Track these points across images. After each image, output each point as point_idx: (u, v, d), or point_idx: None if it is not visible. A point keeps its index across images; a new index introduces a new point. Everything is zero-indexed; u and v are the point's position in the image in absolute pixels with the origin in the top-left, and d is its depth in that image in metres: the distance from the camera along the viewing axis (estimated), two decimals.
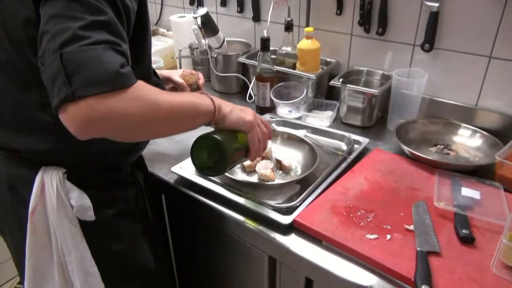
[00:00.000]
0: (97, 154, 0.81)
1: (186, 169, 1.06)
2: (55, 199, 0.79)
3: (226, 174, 0.98)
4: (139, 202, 0.94)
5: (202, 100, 0.76)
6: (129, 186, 0.91)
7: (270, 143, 1.13)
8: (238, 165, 1.09)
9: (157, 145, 1.21)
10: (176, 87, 1.18)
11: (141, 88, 0.64)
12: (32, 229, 0.82)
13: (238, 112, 0.83)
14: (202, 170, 0.83)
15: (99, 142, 0.66)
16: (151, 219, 0.98)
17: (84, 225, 0.83)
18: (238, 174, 1.07)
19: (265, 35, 1.34)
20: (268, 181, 1.01)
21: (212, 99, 0.79)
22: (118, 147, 0.81)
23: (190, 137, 1.26)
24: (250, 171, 1.07)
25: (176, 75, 1.17)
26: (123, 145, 0.85)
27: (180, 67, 1.65)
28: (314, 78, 1.35)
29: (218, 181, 1.00)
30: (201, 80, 1.23)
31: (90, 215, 0.82)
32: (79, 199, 0.81)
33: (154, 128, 0.68)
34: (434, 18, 1.16)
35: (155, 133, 0.74)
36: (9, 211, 0.86)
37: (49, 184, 0.79)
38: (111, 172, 0.87)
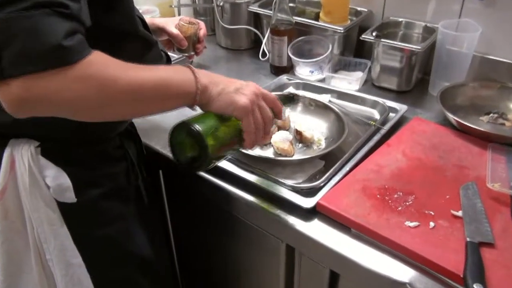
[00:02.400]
0: (75, 123, 0.78)
1: None
2: (28, 178, 0.78)
3: None
4: (131, 180, 0.93)
5: (181, 77, 0.72)
6: (117, 161, 0.90)
7: (287, 110, 1.11)
8: None
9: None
10: (171, 40, 1.15)
11: (92, 64, 0.61)
12: (3, 213, 0.82)
13: (231, 94, 0.76)
14: (183, 165, 0.79)
15: None
16: (146, 200, 0.97)
17: (64, 208, 0.82)
18: None
19: None
20: (286, 156, 1.01)
21: (196, 77, 0.73)
22: None
23: None
24: (265, 144, 1.06)
25: (171, 25, 1.14)
26: None
27: None
28: (342, 31, 1.32)
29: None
30: (203, 31, 1.20)
31: (70, 197, 0.81)
32: (56, 178, 0.80)
33: (110, 111, 0.66)
34: None
35: (114, 116, 0.71)
36: None
37: (19, 160, 0.78)
38: (95, 144, 0.86)
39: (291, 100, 0.98)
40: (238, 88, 0.78)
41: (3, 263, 0.85)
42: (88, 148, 0.85)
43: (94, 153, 0.86)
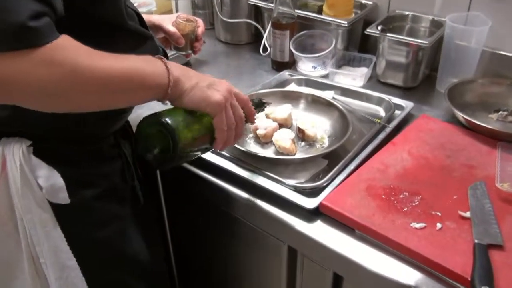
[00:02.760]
0: (69, 121, 0.76)
1: None
2: (19, 179, 0.78)
3: (236, 145, 0.97)
4: (127, 180, 0.93)
5: (152, 68, 0.71)
6: (112, 160, 0.90)
7: (289, 107, 1.10)
8: (249, 135, 1.07)
9: (147, 109, 1.19)
10: (167, 38, 1.14)
11: (59, 48, 0.59)
12: None
13: (204, 89, 0.75)
14: (149, 160, 0.77)
15: None
16: (142, 200, 0.97)
17: (58, 210, 0.81)
18: (251, 146, 1.06)
19: None
20: (288, 155, 1.00)
21: (168, 69, 0.72)
22: (93, 112, 0.78)
23: None
24: (266, 142, 1.06)
25: (168, 22, 1.13)
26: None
27: (177, 11, 1.62)
28: (346, 25, 1.32)
29: (227, 154, 1.00)
30: (201, 29, 1.19)
31: (63, 198, 0.81)
32: (49, 178, 0.79)
33: (74, 100, 0.65)
34: None
35: (77, 107, 0.69)
36: None
37: (11, 160, 0.77)
38: (89, 143, 0.85)
39: (260, 106, 0.97)
40: (211, 83, 0.77)
41: None
42: (82, 147, 0.84)
43: (88, 152, 0.85)
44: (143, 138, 0.77)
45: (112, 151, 0.90)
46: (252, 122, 0.87)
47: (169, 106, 0.77)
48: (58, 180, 0.80)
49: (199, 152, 0.82)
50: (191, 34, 1.16)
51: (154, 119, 0.74)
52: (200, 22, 1.19)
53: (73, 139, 0.83)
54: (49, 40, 0.58)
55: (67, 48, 0.61)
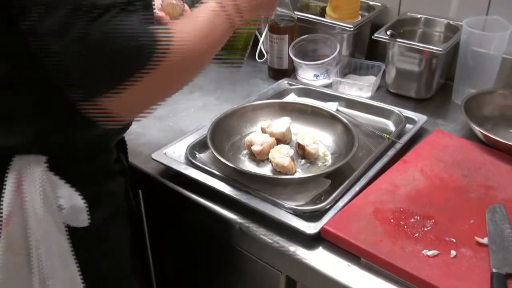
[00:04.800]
0: (87, 138, 0.83)
1: (174, 155, 1.07)
2: (40, 199, 0.78)
3: (229, 163, 0.99)
4: (130, 198, 0.96)
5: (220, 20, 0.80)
6: (117, 176, 0.93)
7: (288, 121, 1.13)
8: (243, 152, 1.10)
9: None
10: None
11: (173, 46, 0.68)
12: (6, 244, 0.79)
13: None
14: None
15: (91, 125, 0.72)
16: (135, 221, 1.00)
17: (71, 236, 0.83)
18: (245, 164, 1.08)
19: None
20: (287, 174, 1.02)
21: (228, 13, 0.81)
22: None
23: (176, 114, 1.28)
24: (262, 159, 1.07)
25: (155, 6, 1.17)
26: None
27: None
28: (352, 29, 1.34)
29: (218, 173, 1.01)
30: (188, 12, 1.22)
31: (83, 220, 0.82)
32: (71, 198, 0.81)
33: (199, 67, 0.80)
34: None
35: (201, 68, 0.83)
36: None
37: (29, 180, 0.77)
38: (96, 158, 0.88)
39: None
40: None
41: None
42: (90, 162, 0.87)
43: (96, 168, 0.88)
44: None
45: (116, 166, 0.93)
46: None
47: None
48: (78, 200, 0.82)
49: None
50: (179, 18, 1.19)
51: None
52: (186, 6, 1.22)
53: (84, 155, 0.85)
54: (163, 42, 0.67)
55: (174, 42, 0.69)
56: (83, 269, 0.84)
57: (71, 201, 0.81)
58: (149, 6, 0.71)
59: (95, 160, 0.87)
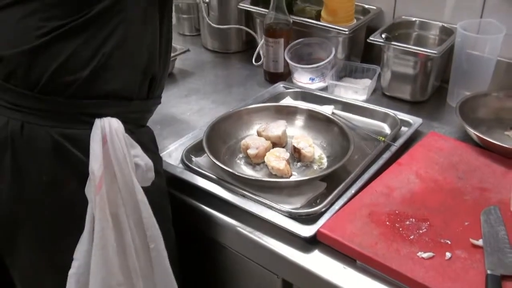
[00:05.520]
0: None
1: (170, 159, 1.07)
2: (126, 158, 0.80)
3: (224, 167, 0.99)
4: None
5: None
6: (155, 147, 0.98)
7: (284, 124, 1.13)
8: (239, 156, 1.11)
9: None
10: None
11: None
12: (102, 206, 0.80)
13: None
14: None
15: None
16: None
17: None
18: (241, 167, 1.08)
19: None
20: (282, 177, 1.02)
21: None
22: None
23: (172, 117, 1.28)
24: (257, 163, 1.08)
25: None
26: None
27: None
28: (347, 32, 1.35)
29: (213, 176, 1.02)
30: None
31: (150, 177, 0.86)
32: (143, 157, 0.84)
33: None
34: None
35: None
36: (48, 191, 0.82)
37: (113, 138, 0.79)
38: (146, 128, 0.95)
39: None
40: None
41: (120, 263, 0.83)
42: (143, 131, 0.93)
43: (147, 138, 0.93)
44: None
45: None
46: None
47: None
48: (147, 159, 0.85)
49: None
50: None
51: None
52: None
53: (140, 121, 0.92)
54: None
55: None
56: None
57: (144, 160, 0.84)
58: None
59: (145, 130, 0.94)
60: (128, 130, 0.83)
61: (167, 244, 0.88)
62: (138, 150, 0.84)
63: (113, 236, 0.81)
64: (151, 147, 0.93)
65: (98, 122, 0.80)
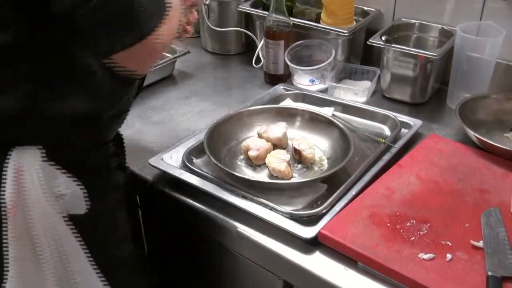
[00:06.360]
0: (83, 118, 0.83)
1: (170, 161, 1.07)
2: (40, 188, 0.80)
3: (225, 168, 1.00)
4: (131, 192, 0.99)
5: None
6: (116, 172, 0.94)
7: (284, 126, 1.14)
8: (240, 157, 1.11)
9: (127, 128, 1.23)
10: None
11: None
12: (14, 235, 0.81)
13: None
14: None
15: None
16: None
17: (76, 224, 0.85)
18: (242, 169, 1.08)
19: None
20: (283, 178, 1.02)
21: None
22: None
23: (173, 119, 1.28)
24: (258, 164, 1.08)
25: None
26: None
27: None
28: (346, 34, 1.35)
29: (214, 178, 1.02)
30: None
31: (83, 206, 0.84)
32: (69, 186, 0.82)
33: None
34: None
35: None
36: None
37: (28, 169, 0.79)
38: (95, 150, 0.89)
39: None
40: None
41: None
42: (90, 155, 0.88)
43: (96, 161, 0.89)
44: None
45: (114, 161, 0.94)
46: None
47: None
48: (76, 187, 0.83)
49: None
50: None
51: None
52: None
53: (81, 146, 0.87)
54: None
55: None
56: (98, 257, 0.86)
57: (71, 188, 0.83)
58: None
59: (94, 153, 0.88)
60: (62, 157, 0.82)
61: (124, 269, 0.90)
62: (62, 178, 0.82)
63: (32, 266, 0.83)
64: (101, 169, 0.90)
65: (13, 153, 0.80)
